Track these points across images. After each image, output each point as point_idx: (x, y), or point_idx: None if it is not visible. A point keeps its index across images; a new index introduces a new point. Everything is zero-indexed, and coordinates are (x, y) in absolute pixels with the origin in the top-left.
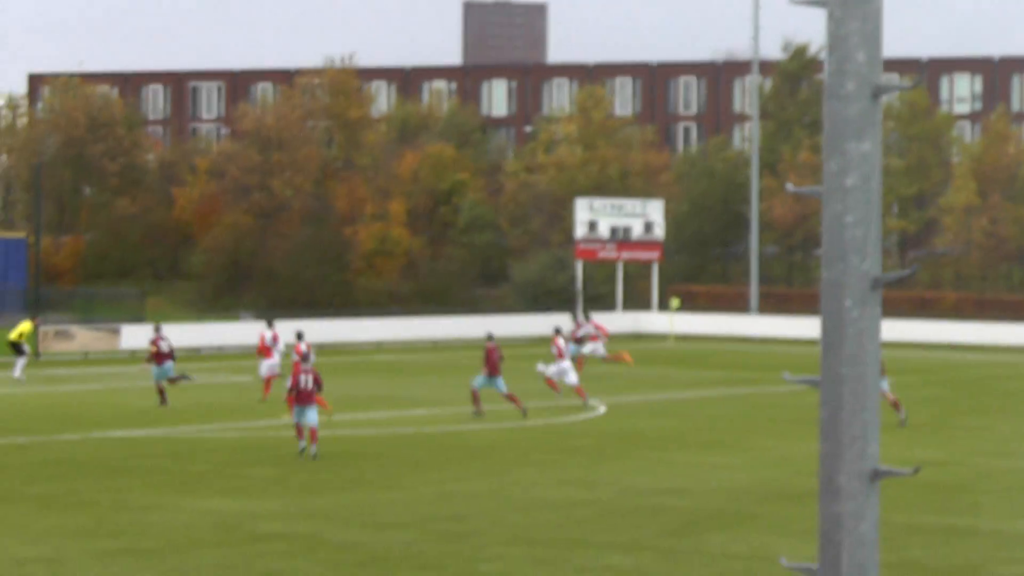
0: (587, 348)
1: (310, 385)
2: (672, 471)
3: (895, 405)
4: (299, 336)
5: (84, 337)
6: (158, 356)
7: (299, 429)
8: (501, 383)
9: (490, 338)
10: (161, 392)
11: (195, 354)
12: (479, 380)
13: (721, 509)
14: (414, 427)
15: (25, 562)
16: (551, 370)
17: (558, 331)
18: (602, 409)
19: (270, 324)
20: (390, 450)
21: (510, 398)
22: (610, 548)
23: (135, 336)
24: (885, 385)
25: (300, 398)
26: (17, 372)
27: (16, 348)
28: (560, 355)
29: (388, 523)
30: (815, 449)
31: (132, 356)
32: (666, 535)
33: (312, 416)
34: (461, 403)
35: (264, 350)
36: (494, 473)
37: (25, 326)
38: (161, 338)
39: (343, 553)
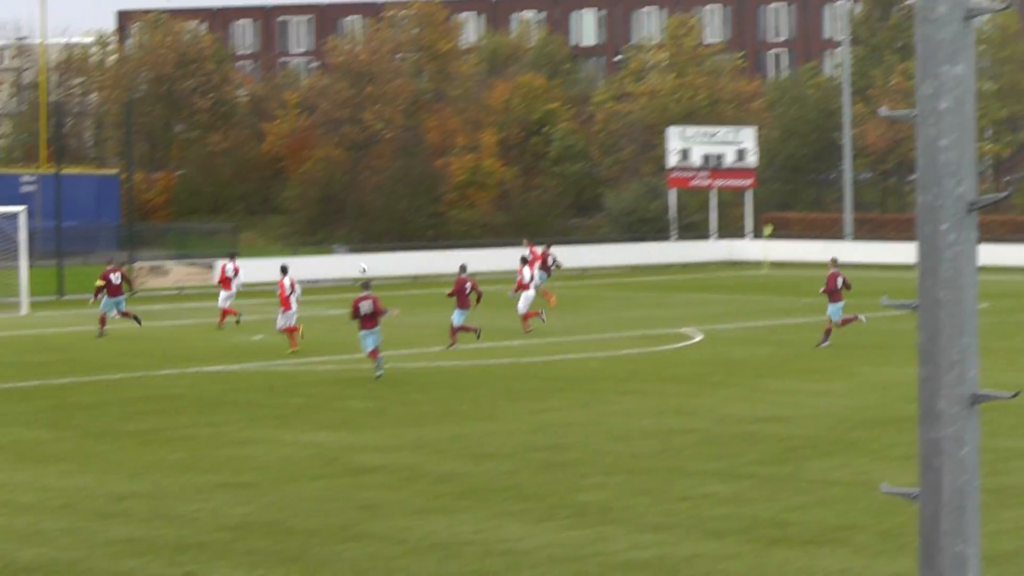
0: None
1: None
2: (770, 399)
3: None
4: (284, 270)
5: (178, 273)
6: (109, 288)
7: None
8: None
9: (463, 270)
10: (103, 322)
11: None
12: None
13: (820, 436)
14: (511, 358)
15: (124, 497)
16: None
17: (524, 260)
18: (699, 337)
19: (232, 257)
20: (487, 381)
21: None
22: (709, 476)
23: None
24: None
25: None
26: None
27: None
28: (521, 284)
29: (486, 454)
30: (914, 375)
31: None
32: (765, 462)
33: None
34: (557, 333)
35: (224, 281)
36: (592, 403)
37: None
38: (113, 271)
39: (442, 484)
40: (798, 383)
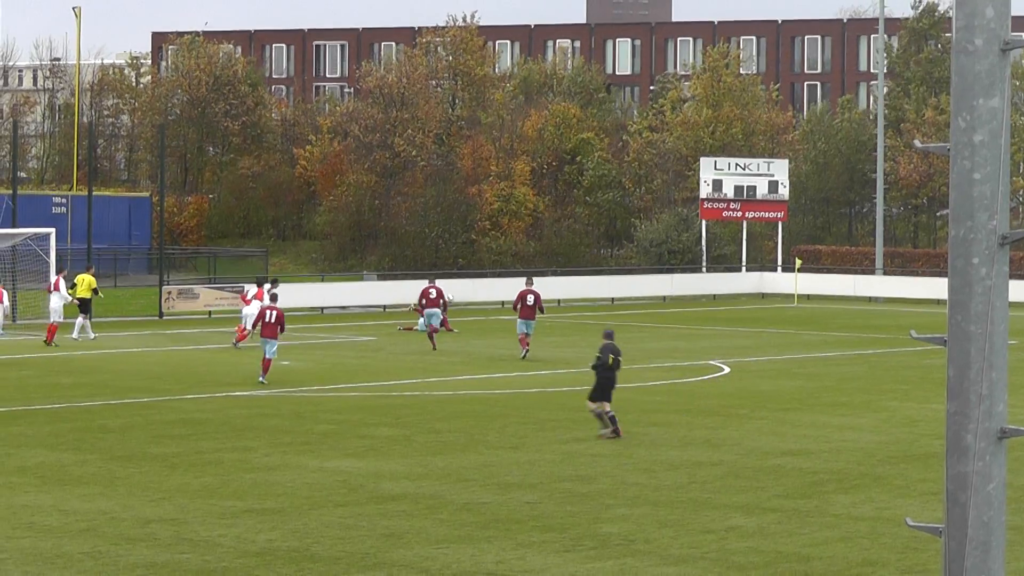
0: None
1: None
2: (796, 432)
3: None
4: (273, 282)
5: (208, 296)
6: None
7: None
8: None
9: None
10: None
11: (318, 314)
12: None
13: (846, 470)
14: (538, 387)
15: (150, 521)
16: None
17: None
18: (726, 369)
19: (273, 283)
20: (513, 410)
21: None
22: (734, 509)
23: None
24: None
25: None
26: (77, 333)
27: (83, 306)
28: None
29: (511, 483)
30: (942, 410)
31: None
32: (790, 496)
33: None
34: (584, 364)
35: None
36: None
37: (87, 278)
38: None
39: (466, 514)
40: (824, 417)
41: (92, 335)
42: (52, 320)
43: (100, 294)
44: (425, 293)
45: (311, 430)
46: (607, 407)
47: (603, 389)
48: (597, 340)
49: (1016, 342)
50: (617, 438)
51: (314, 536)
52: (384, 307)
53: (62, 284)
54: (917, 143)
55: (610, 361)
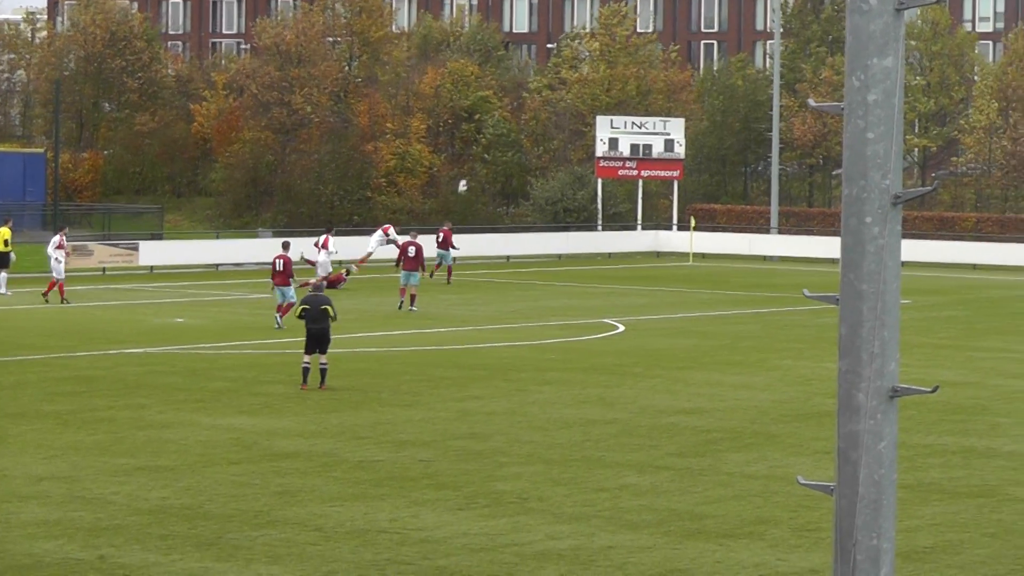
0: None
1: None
2: (690, 391)
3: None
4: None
5: (102, 253)
6: None
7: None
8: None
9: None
10: None
11: (212, 271)
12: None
13: (739, 429)
14: (433, 345)
15: (42, 479)
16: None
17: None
18: (621, 328)
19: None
20: (409, 368)
21: None
22: (627, 467)
23: (153, 253)
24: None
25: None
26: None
27: (2, 260)
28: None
29: (406, 441)
30: (835, 369)
31: (151, 272)
32: (684, 455)
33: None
34: (480, 321)
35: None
36: (513, 392)
37: (3, 231)
38: None
39: (360, 471)
40: (719, 375)
41: (6, 291)
42: None
43: (12, 253)
44: (404, 250)
45: (205, 387)
46: (322, 359)
47: (315, 341)
48: (493, 297)
49: (909, 301)
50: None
51: (207, 494)
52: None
53: None
54: (811, 102)
55: (326, 312)
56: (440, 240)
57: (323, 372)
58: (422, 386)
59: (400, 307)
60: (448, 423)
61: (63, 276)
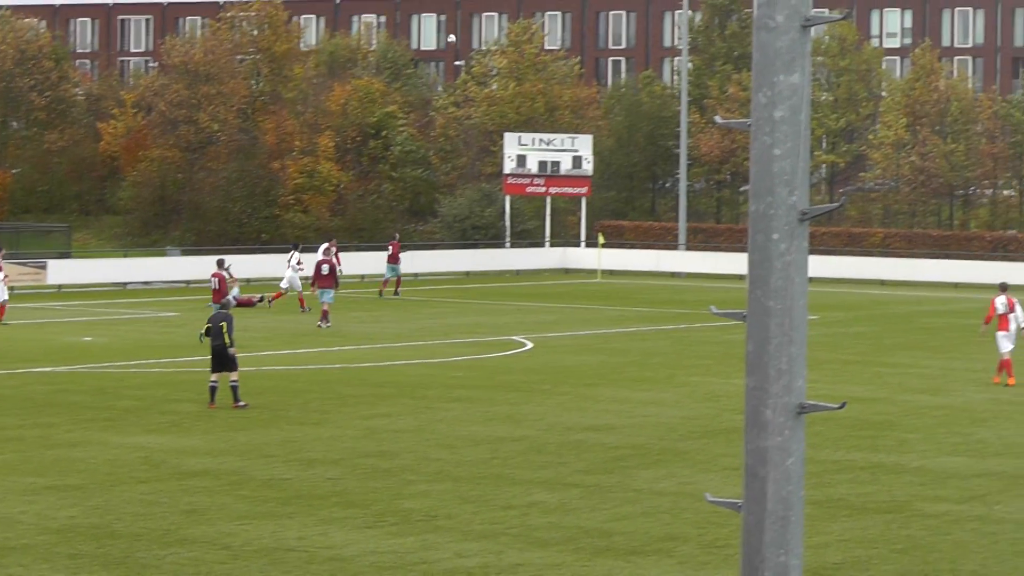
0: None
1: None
2: (599, 407)
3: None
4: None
5: (10, 272)
6: None
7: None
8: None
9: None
10: None
11: (121, 289)
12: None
13: (647, 445)
14: (341, 363)
15: None
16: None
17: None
18: (529, 345)
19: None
20: (316, 386)
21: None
22: (536, 485)
23: (62, 271)
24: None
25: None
26: None
27: None
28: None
29: (314, 459)
30: (742, 386)
31: (59, 291)
32: (592, 471)
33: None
34: (388, 339)
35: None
36: (421, 410)
37: None
38: None
39: (268, 490)
40: (627, 392)
41: None
42: None
43: None
44: (317, 268)
45: (113, 406)
46: (231, 377)
47: (219, 360)
48: (401, 315)
49: (816, 317)
50: (240, 407)
51: (115, 513)
52: (187, 282)
53: None
54: (718, 119)
55: (222, 330)
56: (390, 253)
57: (233, 390)
58: (330, 404)
59: (306, 310)
60: (356, 441)
61: (6, 297)
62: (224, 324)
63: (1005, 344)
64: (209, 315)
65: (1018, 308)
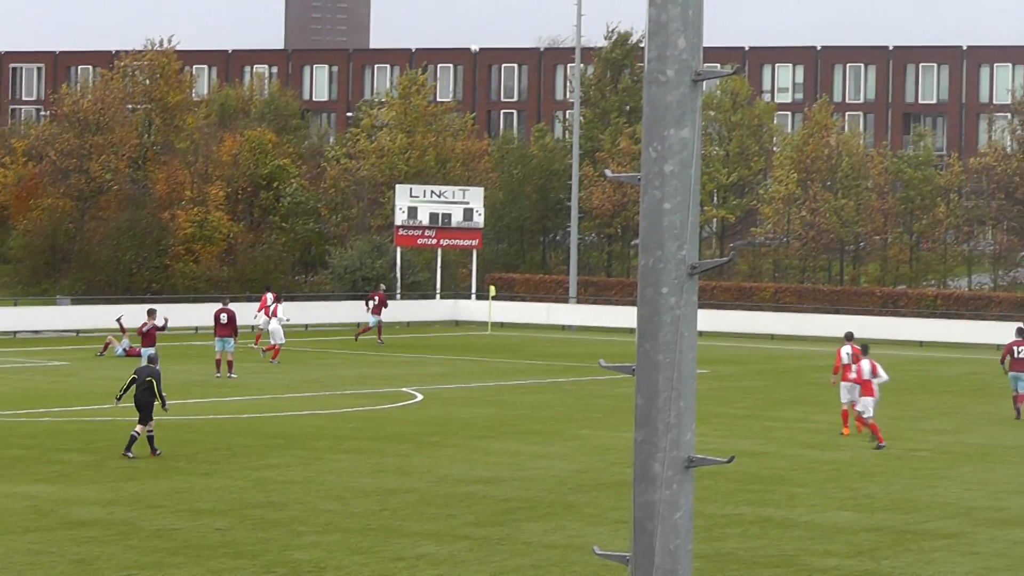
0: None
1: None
2: (488, 460)
3: None
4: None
5: None
6: None
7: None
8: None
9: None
10: None
11: (11, 338)
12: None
13: (537, 498)
14: (231, 414)
15: None
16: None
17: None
18: (419, 397)
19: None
20: (206, 437)
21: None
22: (425, 537)
23: None
24: None
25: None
26: None
27: None
28: None
29: (203, 510)
30: (632, 439)
31: None
32: (481, 524)
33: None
34: (278, 390)
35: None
36: (310, 460)
37: None
38: None
39: (157, 540)
40: (517, 445)
41: None
42: None
43: None
44: (216, 318)
45: (1, 455)
46: (148, 427)
47: (144, 411)
48: (291, 366)
49: (706, 371)
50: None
51: (2, 562)
52: (77, 332)
53: None
54: (608, 172)
55: (151, 385)
56: (375, 305)
57: (150, 439)
58: (220, 455)
59: (218, 375)
60: (245, 492)
61: None
62: (151, 380)
63: (845, 395)
64: (134, 368)
65: (880, 370)
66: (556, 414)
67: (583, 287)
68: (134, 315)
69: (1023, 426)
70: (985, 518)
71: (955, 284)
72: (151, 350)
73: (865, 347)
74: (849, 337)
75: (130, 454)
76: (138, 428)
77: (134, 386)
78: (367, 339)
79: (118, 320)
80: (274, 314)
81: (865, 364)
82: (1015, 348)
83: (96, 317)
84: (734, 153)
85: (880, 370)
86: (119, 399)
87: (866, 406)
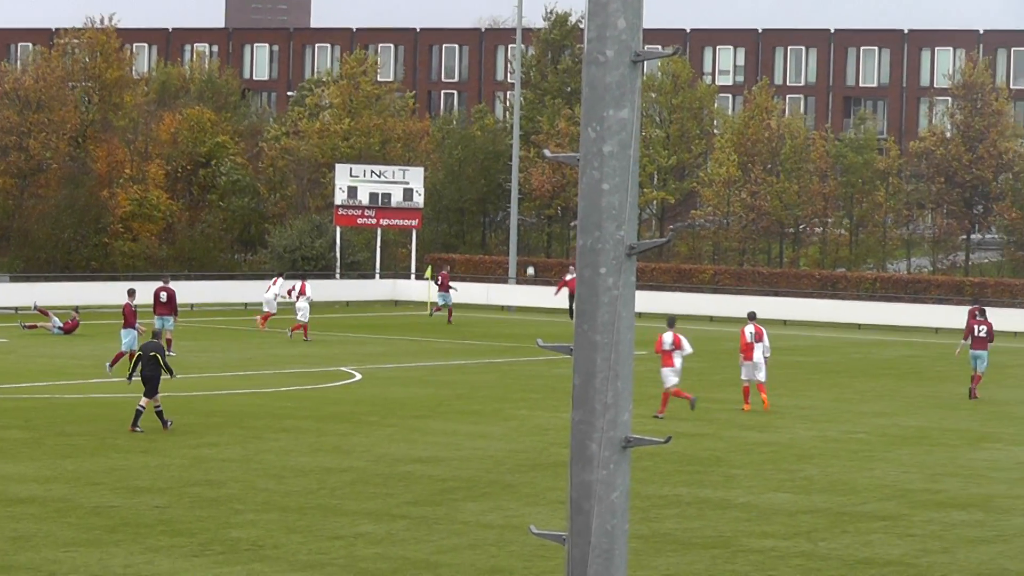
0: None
1: None
2: (427, 439)
3: None
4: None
5: None
6: None
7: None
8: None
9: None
10: None
11: None
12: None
13: (475, 478)
14: (169, 391)
15: None
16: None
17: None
18: (358, 376)
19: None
20: (145, 414)
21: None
22: (363, 516)
23: None
24: None
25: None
26: None
27: None
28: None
29: (141, 487)
30: (569, 419)
31: None
32: (419, 503)
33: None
34: (216, 368)
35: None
36: (248, 439)
37: None
38: None
39: (95, 517)
40: (455, 425)
41: None
42: None
43: None
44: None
45: None
46: (155, 402)
47: (150, 386)
48: (229, 344)
49: (644, 353)
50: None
51: None
52: (16, 309)
53: None
54: (547, 152)
55: (156, 359)
56: (440, 283)
57: (158, 414)
58: (157, 432)
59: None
60: (183, 470)
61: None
62: (155, 354)
63: (746, 373)
64: (141, 344)
65: (765, 338)
66: (494, 394)
67: (523, 268)
68: (75, 293)
69: (961, 409)
70: (921, 500)
71: (894, 267)
72: (134, 330)
73: (671, 320)
74: (752, 317)
75: (138, 428)
76: (143, 402)
77: (140, 363)
78: (440, 316)
79: (34, 304)
80: (302, 292)
81: (667, 336)
82: (976, 327)
83: (35, 295)
84: (675, 135)
85: (684, 343)
86: (130, 378)
87: (666, 376)
